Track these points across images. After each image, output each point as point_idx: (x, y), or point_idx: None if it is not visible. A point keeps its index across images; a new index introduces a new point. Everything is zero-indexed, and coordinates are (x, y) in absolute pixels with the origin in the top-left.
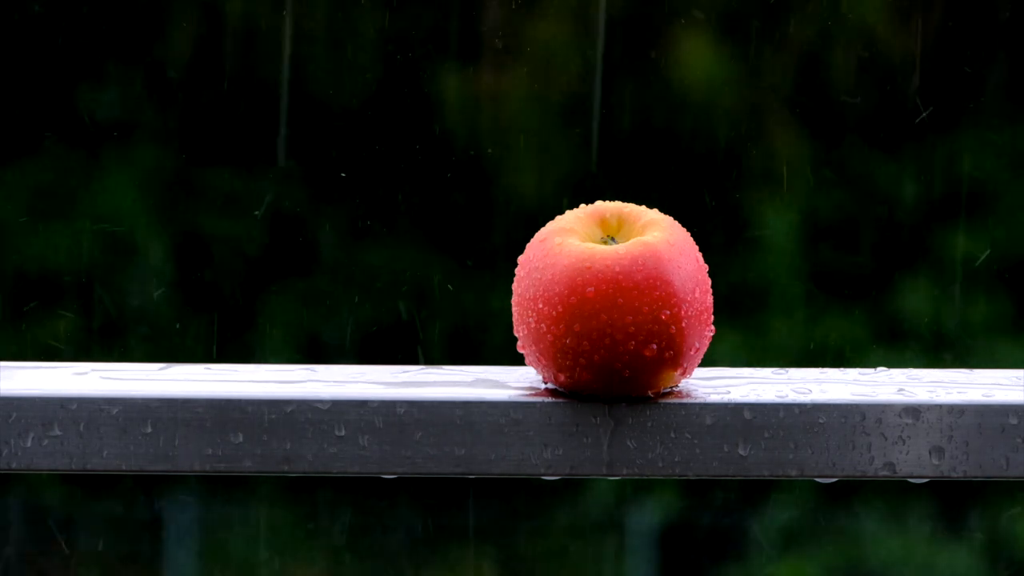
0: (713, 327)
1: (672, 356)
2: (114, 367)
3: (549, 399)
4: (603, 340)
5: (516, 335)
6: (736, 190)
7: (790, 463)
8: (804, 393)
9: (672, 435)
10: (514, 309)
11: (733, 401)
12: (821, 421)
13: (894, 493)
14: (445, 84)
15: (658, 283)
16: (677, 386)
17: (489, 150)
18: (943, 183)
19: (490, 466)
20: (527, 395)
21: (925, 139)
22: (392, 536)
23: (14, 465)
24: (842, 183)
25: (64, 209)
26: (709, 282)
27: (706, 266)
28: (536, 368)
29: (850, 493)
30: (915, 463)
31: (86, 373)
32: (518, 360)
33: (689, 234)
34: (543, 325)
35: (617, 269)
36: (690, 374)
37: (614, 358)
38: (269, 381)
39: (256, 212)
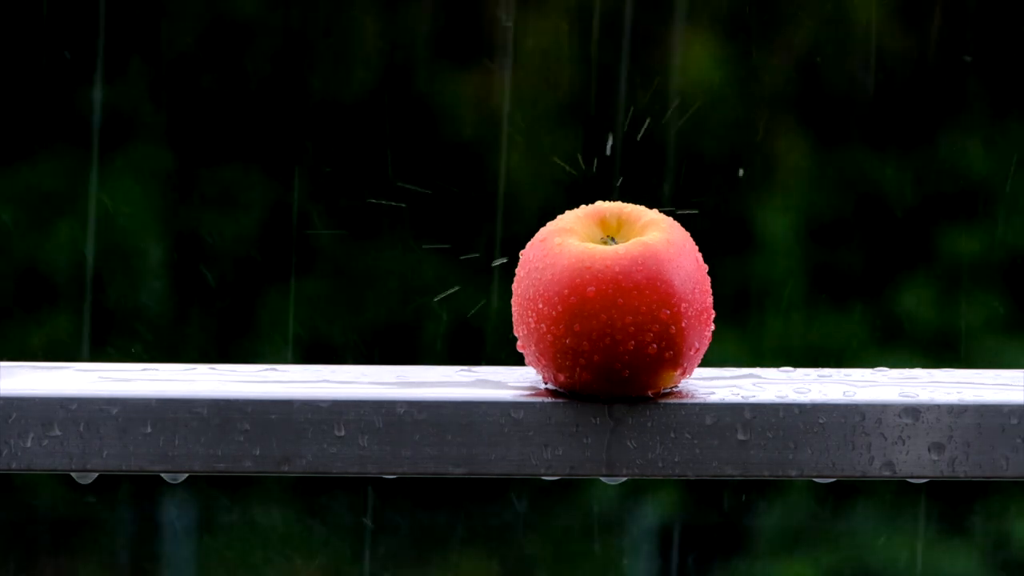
0: (713, 326)
1: (672, 356)
2: (114, 367)
3: (549, 399)
4: (603, 340)
5: (516, 335)
6: (736, 190)
7: (790, 463)
8: (804, 393)
9: (672, 435)
10: (514, 309)
11: (733, 401)
12: (821, 421)
13: (894, 493)
14: (444, 84)
15: (658, 283)
16: (677, 386)
17: (489, 150)
18: (943, 183)
19: (490, 466)
20: (527, 395)
21: (925, 139)
22: (391, 536)
23: (14, 465)
24: (842, 183)
25: (64, 209)
26: (709, 282)
27: (706, 266)
28: (536, 368)
29: (850, 493)
30: (915, 463)
31: (86, 373)
32: (518, 360)
33: (689, 234)
34: (543, 325)
35: (617, 269)
36: (690, 374)
37: (614, 358)
38: (269, 381)
39: (256, 212)
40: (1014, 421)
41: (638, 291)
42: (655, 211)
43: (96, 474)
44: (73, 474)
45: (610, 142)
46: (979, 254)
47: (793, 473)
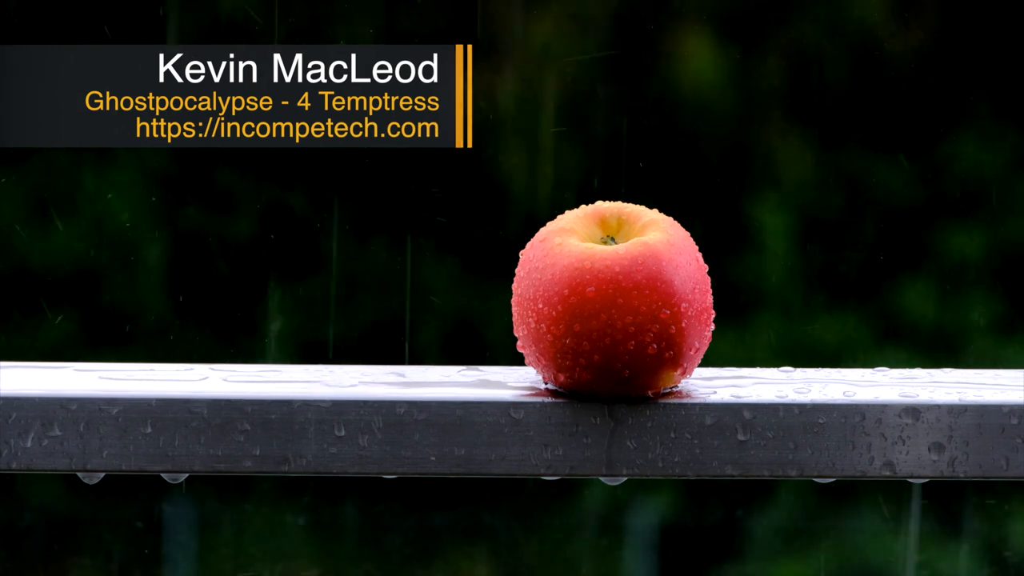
0: (713, 326)
1: (672, 356)
2: (114, 367)
3: (549, 399)
4: (603, 340)
5: (516, 335)
6: (735, 190)
7: (790, 463)
8: (804, 393)
9: (672, 435)
10: (514, 309)
11: (733, 401)
12: (821, 421)
13: (893, 493)
14: None
15: (658, 283)
16: (677, 386)
17: (489, 149)
18: (943, 183)
19: (490, 466)
20: (527, 395)
21: (924, 139)
22: (392, 536)
23: (14, 465)
24: (841, 183)
25: (64, 209)
26: (709, 282)
27: (706, 266)
28: (536, 368)
29: (850, 493)
30: (915, 463)
31: (86, 373)
32: (518, 360)
33: (689, 234)
34: (543, 325)
35: (617, 269)
36: (690, 374)
37: (614, 358)
38: (269, 381)
39: (256, 212)
40: (1014, 421)
41: (638, 291)
42: (655, 211)
43: (102, 474)
44: (79, 474)
45: (610, 140)
46: (979, 254)
47: (793, 473)
